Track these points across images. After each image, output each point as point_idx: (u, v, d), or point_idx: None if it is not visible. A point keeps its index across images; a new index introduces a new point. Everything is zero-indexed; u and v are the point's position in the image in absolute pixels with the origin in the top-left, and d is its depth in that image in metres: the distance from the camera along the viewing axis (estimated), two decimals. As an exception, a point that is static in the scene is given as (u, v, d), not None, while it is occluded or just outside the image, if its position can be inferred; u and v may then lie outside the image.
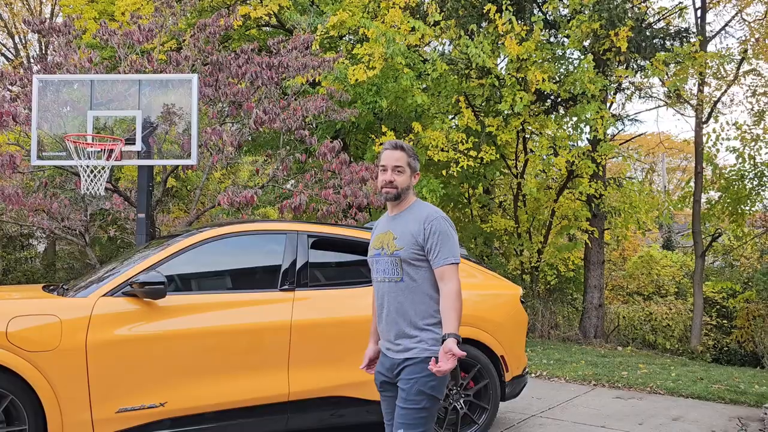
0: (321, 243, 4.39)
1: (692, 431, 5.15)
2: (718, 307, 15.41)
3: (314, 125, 10.72)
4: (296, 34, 7.94)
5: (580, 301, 13.82)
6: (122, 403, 3.57)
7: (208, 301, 3.90)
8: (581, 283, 13.97)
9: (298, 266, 4.18)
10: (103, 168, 5.71)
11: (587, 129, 10.46)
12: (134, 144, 5.82)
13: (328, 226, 4.56)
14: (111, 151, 5.67)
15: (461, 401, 4.56)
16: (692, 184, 13.32)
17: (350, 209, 6.75)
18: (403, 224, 2.73)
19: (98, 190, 5.68)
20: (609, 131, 11.22)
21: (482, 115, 10.96)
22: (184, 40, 8.02)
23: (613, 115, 11.12)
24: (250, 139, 6.68)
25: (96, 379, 3.51)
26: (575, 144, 10.75)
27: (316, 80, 10.85)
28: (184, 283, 3.99)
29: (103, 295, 3.67)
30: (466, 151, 10.03)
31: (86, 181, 5.67)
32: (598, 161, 11.09)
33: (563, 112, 11.87)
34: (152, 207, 6.73)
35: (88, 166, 5.67)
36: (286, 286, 4.11)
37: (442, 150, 10.16)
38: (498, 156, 10.88)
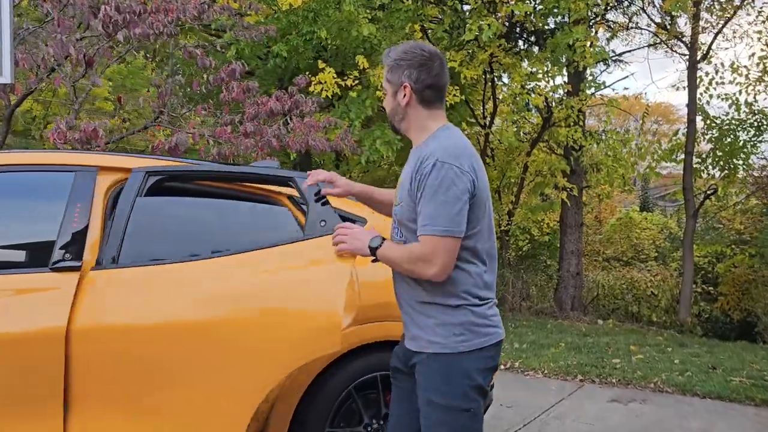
0: (152, 188, 2.57)
1: (731, 462, 3.57)
2: (702, 272, 14.12)
3: (238, 56, 8.73)
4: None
5: (554, 269, 12.31)
6: None
7: None
8: (556, 248, 12.47)
9: (92, 228, 2.38)
10: None
11: (570, 63, 8.71)
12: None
13: (164, 161, 2.72)
14: None
15: None
16: (680, 135, 11.76)
17: (254, 152, 4.92)
18: (409, 166, 1.89)
19: None
20: (593, 70, 9.52)
21: (442, 48, 9.12)
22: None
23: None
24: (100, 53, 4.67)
25: None
26: (553, 82, 9.04)
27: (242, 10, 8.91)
28: None
29: None
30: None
31: None
32: (579, 106, 9.42)
33: (538, 52, 10.14)
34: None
35: None
36: (67, 263, 2.30)
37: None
38: (462, 99, 9.09)
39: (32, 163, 2.46)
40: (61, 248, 2.30)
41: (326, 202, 2.24)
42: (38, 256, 2.33)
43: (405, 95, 1.88)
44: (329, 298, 2.13)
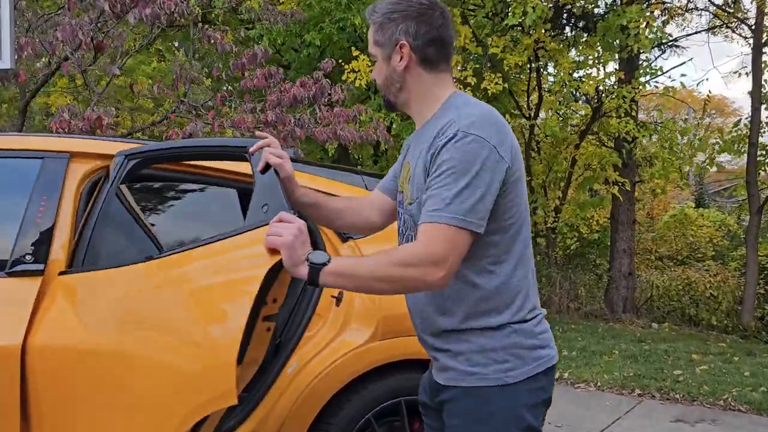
0: (130, 174, 2.16)
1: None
2: (765, 273, 13.16)
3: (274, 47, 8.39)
4: None
5: (605, 269, 11.62)
6: None
7: None
8: (607, 247, 11.77)
9: (61, 225, 2.01)
10: None
11: (624, 48, 8.06)
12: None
13: (147, 142, 2.32)
14: None
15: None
16: (742, 126, 10.89)
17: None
18: (419, 150, 1.42)
19: None
20: (648, 55, 8.84)
21: (484, 35, 8.57)
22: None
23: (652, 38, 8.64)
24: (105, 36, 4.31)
25: None
26: (604, 70, 8.40)
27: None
28: None
29: None
30: (462, 79, 7.72)
31: None
32: (632, 95, 8.74)
33: (587, 38, 9.49)
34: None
35: None
36: (27, 267, 1.94)
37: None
38: (505, 87, 8.53)
39: (-7, 148, 2.10)
40: (20, 249, 1.94)
41: (275, 177, 1.52)
42: (-4, 257, 1.97)
43: (402, 57, 1.42)
44: (225, 325, 1.54)
